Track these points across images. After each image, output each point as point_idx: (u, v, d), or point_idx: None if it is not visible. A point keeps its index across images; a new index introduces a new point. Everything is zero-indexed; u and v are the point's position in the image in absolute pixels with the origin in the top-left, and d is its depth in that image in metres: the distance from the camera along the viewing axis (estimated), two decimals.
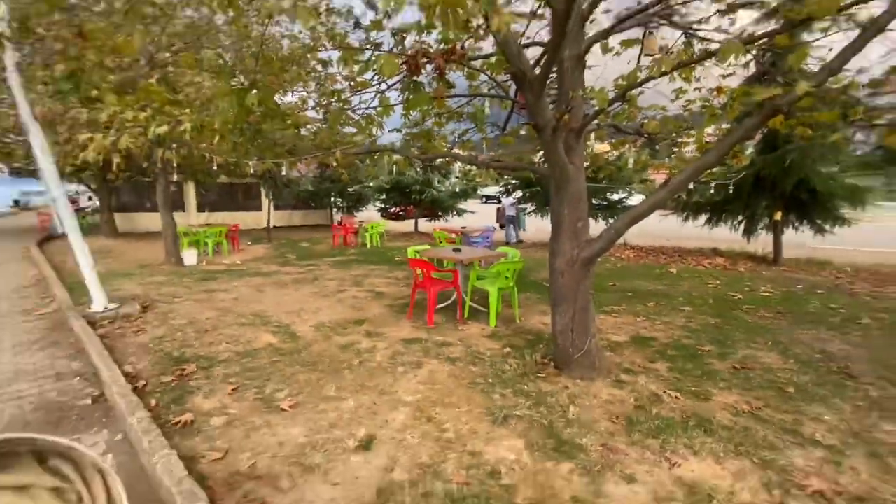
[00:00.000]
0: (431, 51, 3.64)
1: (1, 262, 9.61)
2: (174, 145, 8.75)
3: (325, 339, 4.67)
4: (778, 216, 9.11)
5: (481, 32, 4.02)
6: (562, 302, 3.65)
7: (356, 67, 4.60)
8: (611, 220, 12.15)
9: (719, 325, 5.32)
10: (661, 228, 14.15)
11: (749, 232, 9.93)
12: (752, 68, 8.31)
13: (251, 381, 3.60)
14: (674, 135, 5.89)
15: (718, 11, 5.11)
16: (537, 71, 3.30)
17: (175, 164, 9.21)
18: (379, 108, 5.01)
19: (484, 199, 34.53)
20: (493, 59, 4.03)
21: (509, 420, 3.00)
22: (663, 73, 3.48)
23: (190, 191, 17.27)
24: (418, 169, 15.14)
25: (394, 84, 4.99)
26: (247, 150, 6.24)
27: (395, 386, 3.52)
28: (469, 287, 5.41)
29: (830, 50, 3.56)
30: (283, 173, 10.51)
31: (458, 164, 17.25)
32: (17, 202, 33.49)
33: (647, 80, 3.51)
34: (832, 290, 7.20)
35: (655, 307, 6.11)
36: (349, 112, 5.25)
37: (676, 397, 3.38)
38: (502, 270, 5.12)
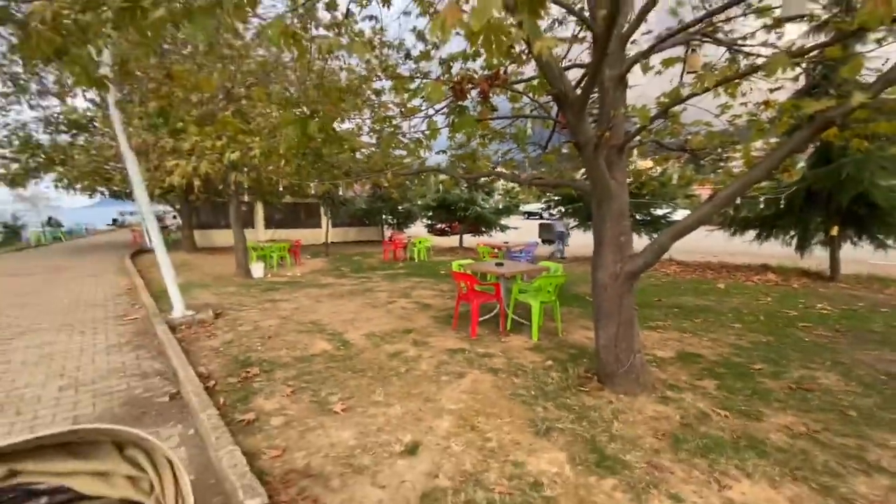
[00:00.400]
0: (476, 77, 3.68)
1: (100, 272, 10.51)
2: (245, 169, 9.32)
3: (375, 347, 4.73)
4: (835, 231, 8.39)
5: (524, 57, 4.03)
6: (605, 316, 3.51)
7: (406, 95, 4.74)
8: (654, 236, 11.68)
9: (772, 343, 4.92)
10: (707, 244, 13.40)
11: (802, 247, 9.20)
12: (802, 81, 7.83)
13: (307, 384, 3.70)
14: (719, 150, 5.62)
15: (765, 26, 4.87)
16: (578, 91, 3.25)
17: (246, 186, 9.82)
18: (427, 132, 5.12)
19: (526, 216, 34.20)
20: (535, 83, 4.02)
21: (552, 432, 2.89)
22: (706, 89, 3.34)
23: (259, 210, 18.25)
24: (463, 187, 15.25)
25: (441, 109, 5.08)
26: (308, 172, 6.53)
27: (440, 394, 3.49)
28: (511, 300, 5.33)
29: (887, 60, 3.30)
30: (341, 193, 10.88)
31: (500, 182, 17.25)
32: (115, 221, 36.72)
33: (690, 96, 3.36)
34: None
35: (703, 323, 5.76)
36: (399, 136, 5.38)
37: (725, 416, 3.14)
38: (544, 284, 5.01)
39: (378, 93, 6.59)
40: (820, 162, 8.16)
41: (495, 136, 4.97)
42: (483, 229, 15.56)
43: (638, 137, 3.74)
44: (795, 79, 8.24)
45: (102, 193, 16.61)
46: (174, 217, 21.71)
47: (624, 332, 3.49)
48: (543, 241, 16.46)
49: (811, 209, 8.38)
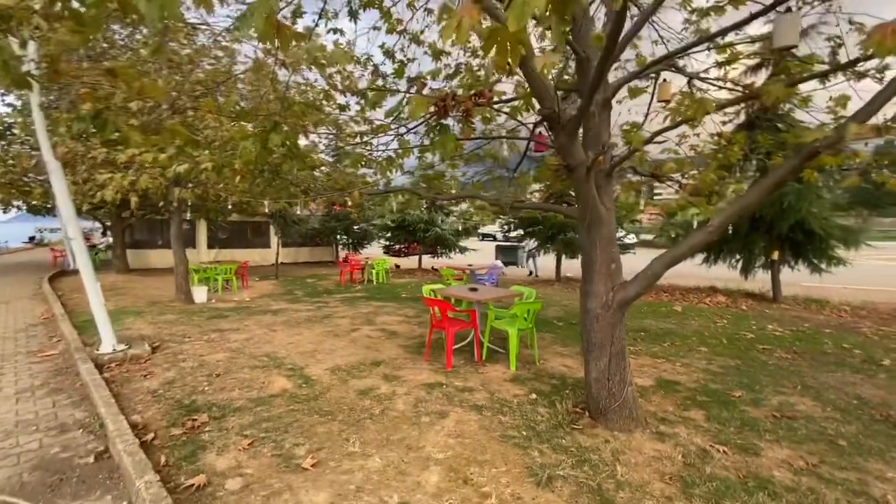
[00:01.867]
0: (459, 95, 3.46)
1: (12, 298, 9.15)
2: (191, 185, 8.55)
3: (342, 383, 4.26)
4: (775, 255, 8.91)
5: (515, 73, 3.87)
6: (596, 347, 3.31)
7: (375, 109, 4.45)
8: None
9: (740, 367, 4.96)
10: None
11: (746, 270, 9.70)
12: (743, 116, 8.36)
13: (268, 433, 3.19)
14: (681, 176, 5.76)
15: (717, 63, 5.12)
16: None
17: (189, 203, 9.01)
18: (399, 150, 4.83)
19: (481, 237, 34.49)
20: (518, 103, 3.86)
21: (554, 481, 2.60)
22: (690, 119, 3.32)
23: (201, 229, 16.97)
24: (423, 208, 15.01)
25: (414, 127, 4.82)
26: (264, 189, 6.01)
27: (423, 439, 3.11)
28: (487, 328, 5.06)
29: (830, 97, 3.52)
30: (299, 212, 10.25)
31: (463, 204, 17.19)
32: (32, 238, 33.06)
33: (680, 123, 3.33)
34: (839, 329, 6.89)
35: (671, 347, 5.76)
36: (368, 154, 5.05)
37: (725, 452, 2.99)
38: (521, 311, 4.79)
39: (343, 108, 6.24)
40: None
41: (471, 157, 4.75)
42: (440, 251, 15.32)
43: (627, 162, 3.65)
44: (737, 114, 8.83)
45: (19, 208, 14.78)
46: (103, 234, 19.80)
47: (616, 365, 3.30)
48: (504, 263, 16.50)
49: (755, 235, 8.85)
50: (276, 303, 8.97)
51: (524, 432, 3.22)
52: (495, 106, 3.85)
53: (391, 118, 4.37)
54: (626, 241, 15.62)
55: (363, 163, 5.00)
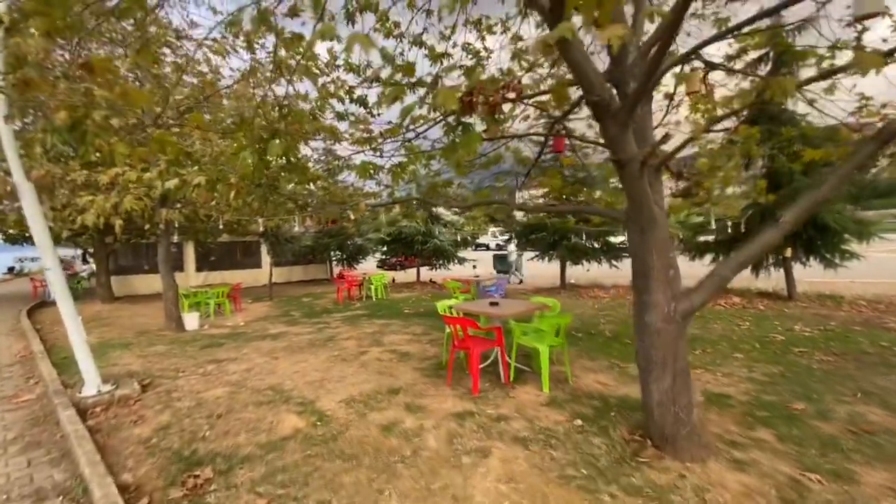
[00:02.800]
0: (487, 88, 3.08)
1: None
2: (178, 205, 8.02)
3: (360, 417, 3.78)
4: (788, 252, 8.65)
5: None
6: (658, 366, 2.90)
7: (385, 110, 4.02)
8: (616, 263, 11.64)
9: (786, 375, 4.59)
10: None
11: (757, 269, 9.43)
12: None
13: (285, 488, 2.69)
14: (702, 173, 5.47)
15: (727, 56, 4.92)
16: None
17: (177, 225, 8.47)
18: (410, 156, 4.43)
19: (474, 247, 34.21)
20: (548, 97, 3.49)
21: None
22: (741, 108, 2.98)
23: (189, 251, 16.29)
24: (420, 220, 14.59)
25: (424, 130, 4.43)
26: (260, 206, 5.54)
27: (469, 487, 2.65)
28: (514, 345, 4.62)
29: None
30: (297, 229, 9.76)
31: (451, 214, 16.84)
32: (11, 269, 31.79)
33: (731, 114, 2.99)
34: (867, 325, 6.59)
35: (704, 355, 5.38)
36: (377, 160, 4.64)
37: (819, 481, 2.59)
38: (548, 326, 4.37)
39: (342, 116, 5.82)
40: (771, 186, 8.43)
41: (494, 159, 4.36)
42: (435, 263, 14.87)
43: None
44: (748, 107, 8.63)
45: None
46: (86, 261, 18.97)
47: (682, 385, 2.88)
48: (498, 272, 16.12)
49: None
50: (274, 326, 8.42)
51: (584, 470, 2.77)
52: (524, 101, 3.48)
53: (401, 119, 3.99)
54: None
55: (372, 171, 4.58)
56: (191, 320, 8.50)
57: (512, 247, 17.26)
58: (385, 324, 8.11)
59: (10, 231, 12.90)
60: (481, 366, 4.94)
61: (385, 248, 15.36)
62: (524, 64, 4.20)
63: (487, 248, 33.79)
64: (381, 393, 4.36)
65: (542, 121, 5.70)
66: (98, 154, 8.39)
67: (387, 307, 10.37)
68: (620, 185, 6.01)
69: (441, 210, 15.65)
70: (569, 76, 4.15)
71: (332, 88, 5.41)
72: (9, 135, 3.91)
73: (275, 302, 12.12)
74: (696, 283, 2.92)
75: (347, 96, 5.38)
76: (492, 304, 5.03)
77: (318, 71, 5.43)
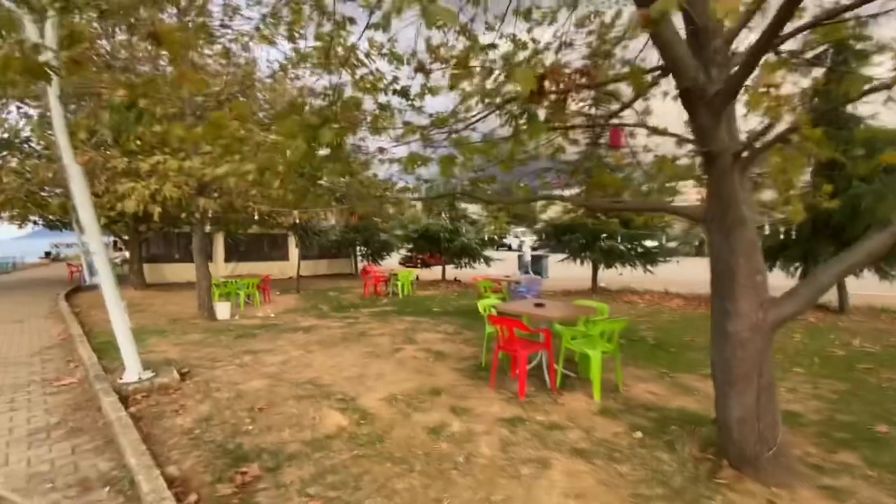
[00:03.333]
0: (563, 72, 2.87)
1: (27, 317, 8.64)
2: (216, 194, 8.03)
3: (405, 417, 3.62)
4: None
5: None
6: (740, 380, 2.65)
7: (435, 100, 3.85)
8: (650, 268, 11.25)
9: (857, 393, 4.26)
10: (682, 277, 13.20)
11: (807, 275, 8.94)
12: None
13: (337, 491, 2.55)
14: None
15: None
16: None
17: (210, 214, 8.50)
18: (459, 149, 4.25)
19: (496, 247, 33.97)
20: (616, 85, 3.26)
21: None
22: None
23: (219, 242, 16.49)
24: (445, 217, 14.44)
25: (480, 119, 4.25)
26: (301, 197, 5.43)
27: (534, 500, 2.45)
28: (562, 349, 4.40)
29: None
30: (333, 222, 9.70)
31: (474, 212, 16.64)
32: (48, 254, 32.94)
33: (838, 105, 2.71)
34: None
35: None
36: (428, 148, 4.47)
37: None
38: (602, 332, 4.13)
39: (384, 108, 5.68)
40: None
41: (557, 150, 4.14)
42: (466, 261, 14.67)
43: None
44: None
45: (35, 223, 14.40)
46: (119, 249, 19.43)
47: (766, 401, 2.63)
48: (523, 273, 15.88)
49: (819, 240, 8.12)
50: (304, 319, 8.37)
51: (658, 489, 2.55)
52: (596, 88, 3.26)
53: (460, 103, 3.81)
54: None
55: (419, 163, 4.41)
56: (222, 310, 8.52)
57: (525, 248, 17.06)
58: (415, 321, 7.96)
59: (51, 217, 13.25)
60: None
61: (412, 245, 15.23)
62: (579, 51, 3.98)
63: (510, 248, 33.42)
64: (422, 393, 4.20)
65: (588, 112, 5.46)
66: (139, 142, 8.43)
67: (414, 304, 10.23)
68: (672, 184, 5.68)
69: (471, 207, 15.48)
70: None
71: (371, 79, 5.28)
72: (60, 117, 3.88)
73: (302, 295, 12.13)
74: (789, 291, 2.66)
75: (390, 87, 5.23)
76: (537, 305, 4.81)
77: (357, 62, 5.30)
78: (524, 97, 3.00)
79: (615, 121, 4.36)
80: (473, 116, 4.28)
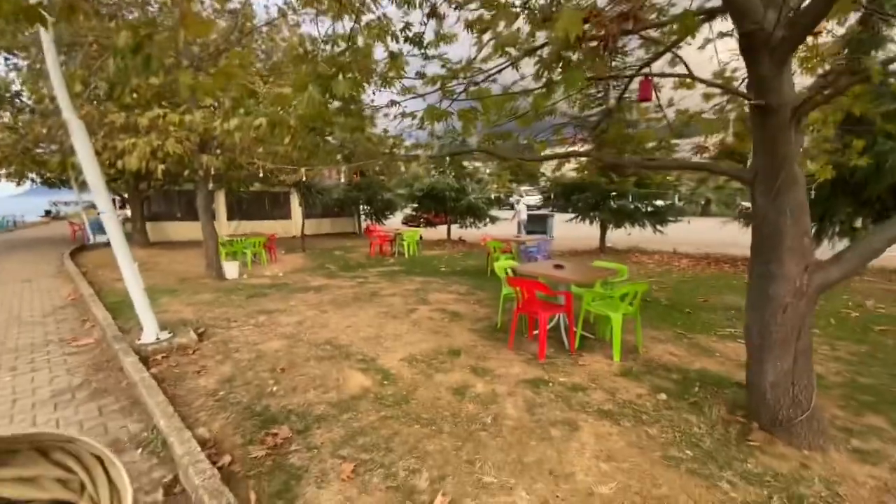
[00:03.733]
0: (604, 13, 2.62)
1: (35, 276, 8.60)
2: (218, 151, 7.76)
3: (427, 378, 3.62)
4: (859, 223, 8.04)
5: None
6: (777, 344, 2.59)
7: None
8: (660, 228, 11.12)
9: (874, 355, 4.25)
10: (689, 236, 13.10)
11: (819, 238, 8.84)
12: None
13: (368, 453, 2.55)
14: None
15: None
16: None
17: (213, 172, 8.26)
18: (482, 101, 4.01)
19: (501, 207, 33.73)
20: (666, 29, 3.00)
21: None
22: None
23: (221, 200, 16.26)
24: (451, 175, 14.14)
25: (505, 67, 3.98)
26: (310, 154, 5.21)
27: (566, 463, 2.46)
28: (581, 312, 4.36)
29: None
30: (340, 180, 9.47)
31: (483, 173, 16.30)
32: (48, 212, 32.68)
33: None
34: None
35: None
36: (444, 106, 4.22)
37: None
38: (628, 293, 4.06)
39: (395, 56, 5.34)
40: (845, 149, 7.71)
41: (585, 101, 3.89)
42: (472, 221, 14.50)
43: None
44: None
45: (33, 181, 14.12)
46: (122, 207, 19.20)
47: (803, 366, 2.59)
48: (528, 233, 15.76)
49: (838, 199, 7.95)
50: (313, 278, 8.33)
51: (689, 451, 2.55)
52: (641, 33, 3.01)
53: (494, 50, 3.55)
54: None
55: (439, 117, 4.18)
56: (231, 269, 8.47)
57: (521, 206, 16.87)
58: (425, 281, 7.92)
59: (49, 174, 12.96)
60: (536, 332, 4.70)
61: (417, 205, 15.01)
62: None
63: (512, 207, 33.13)
64: (441, 353, 4.19)
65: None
66: (135, 95, 8.02)
67: (421, 264, 10.19)
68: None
69: (475, 165, 15.14)
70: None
71: (379, 25, 4.92)
72: (56, 67, 3.62)
73: (308, 254, 12.06)
74: (836, 255, 2.55)
75: (402, 34, 4.89)
76: (556, 266, 4.72)
77: (362, 6, 4.93)
78: (562, 43, 2.78)
79: (646, 71, 4.09)
80: (494, 66, 4.02)
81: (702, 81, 2.84)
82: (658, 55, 3.76)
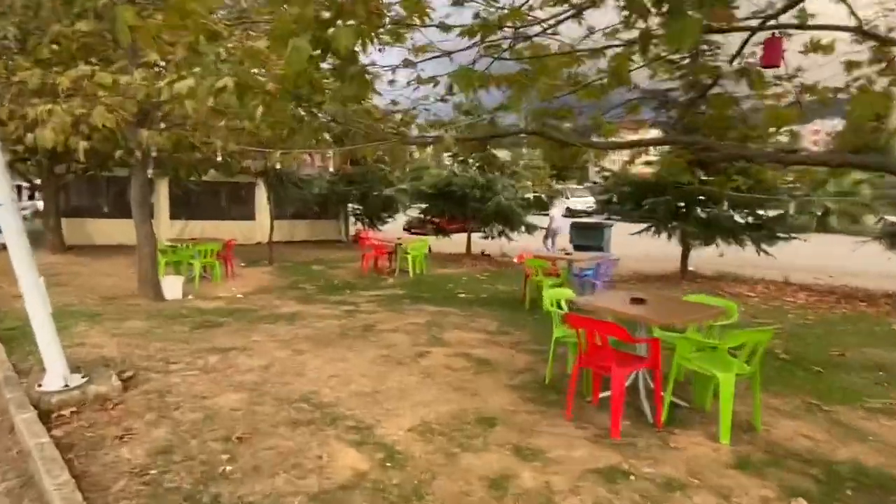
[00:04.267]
0: None
1: None
2: (163, 124, 7.68)
3: (449, 459, 3.35)
4: None
5: None
6: None
7: None
8: (765, 248, 10.79)
9: None
10: (805, 258, 12.80)
11: None
12: None
13: None
14: None
15: None
16: None
17: (154, 153, 8.18)
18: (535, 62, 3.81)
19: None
20: None
21: None
22: None
23: (162, 192, 16.28)
24: (474, 168, 13.97)
25: (566, 18, 3.81)
26: (293, 130, 5.05)
27: None
28: (673, 369, 4.06)
29: None
30: (330, 168, 9.38)
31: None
32: None
33: None
34: None
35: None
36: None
37: None
38: (742, 344, 3.77)
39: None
40: None
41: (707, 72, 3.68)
42: (502, 229, 14.29)
43: None
44: None
45: None
46: (31, 198, 19.43)
47: None
48: (576, 248, 15.47)
49: None
50: (284, 302, 8.20)
51: None
52: None
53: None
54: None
55: (474, 83, 3.98)
56: (173, 286, 8.38)
57: (556, 211, 16.49)
58: (439, 312, 7.71)
59: None
60: (604, 395, 4.40)
61: (426, 205, 14.87)
62: None
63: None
64: (467, 421, 3.94)
65: None
66: (56, 46, 8.05)
67: (432, 287, 10.03)
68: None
69: (505, 156, 15.02)
70: None
71: None
72: None
73: (277, 268, 12.04)
74: None
75: None
76: (634, 300, 4.44)
77: None
78: None
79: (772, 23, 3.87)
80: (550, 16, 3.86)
81: (876, 39, 2.59)
82: (791, 4, 3.54)
